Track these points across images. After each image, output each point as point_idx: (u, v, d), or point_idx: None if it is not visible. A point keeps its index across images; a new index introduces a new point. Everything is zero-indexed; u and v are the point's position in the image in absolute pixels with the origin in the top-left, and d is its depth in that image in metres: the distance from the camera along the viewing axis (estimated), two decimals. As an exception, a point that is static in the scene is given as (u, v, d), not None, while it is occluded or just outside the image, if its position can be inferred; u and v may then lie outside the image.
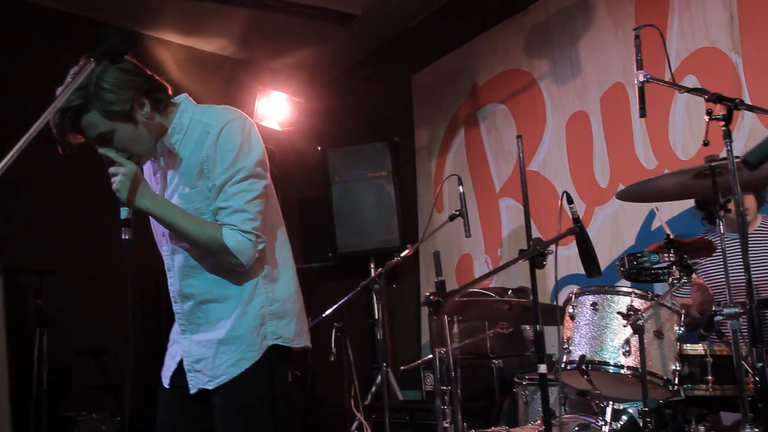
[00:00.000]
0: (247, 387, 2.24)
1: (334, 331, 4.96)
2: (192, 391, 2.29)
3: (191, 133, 2.28)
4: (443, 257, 5.61)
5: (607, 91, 4.62)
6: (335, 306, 3.57)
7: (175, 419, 2.37)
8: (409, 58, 6.27)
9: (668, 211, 4.14)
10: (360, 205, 5.79)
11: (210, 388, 2.26)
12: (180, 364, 2.35)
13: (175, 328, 2.41)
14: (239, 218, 2.20)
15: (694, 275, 2.69)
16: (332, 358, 4.92)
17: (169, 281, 2.38)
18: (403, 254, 3.39)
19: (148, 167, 2.44)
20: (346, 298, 3.56)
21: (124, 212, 2.17)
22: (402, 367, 4.00)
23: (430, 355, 3.28)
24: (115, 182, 2.18)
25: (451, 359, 3.00)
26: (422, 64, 6.17)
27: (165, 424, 2.37)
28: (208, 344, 2.28)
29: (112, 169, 2.20)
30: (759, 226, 3.36)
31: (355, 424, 4.95)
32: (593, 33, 4.74)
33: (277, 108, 5.96)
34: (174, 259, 2.35)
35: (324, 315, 3.60)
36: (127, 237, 2.16)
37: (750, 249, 3.19)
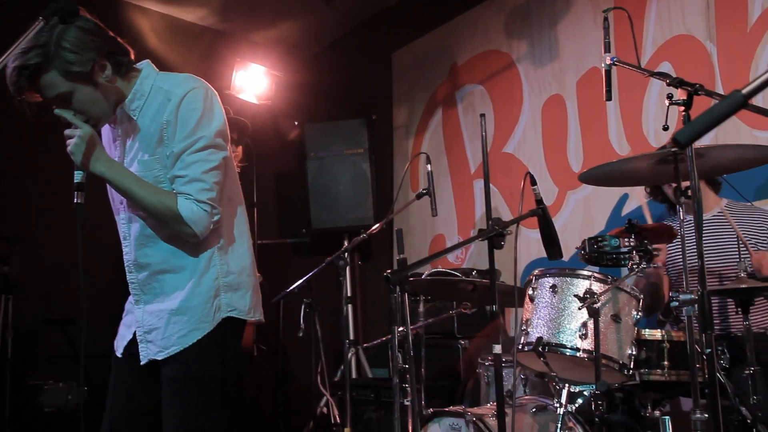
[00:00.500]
0: (197, 358, 2.22)
1: (303, 307, 4.97)
2: (142, 362, 2.26)
3: (152, 100, 2.23)
4: (416, 237, 5.68)
5: (583, 75, 4.61)
6: (301, 281, 3.55)
7: (127, 389, 2.34)
8: (389, 36, 6.23)
9: (638, 196, 4.15)
10: (335, 181, 5.78)
11: (159, 358, 2.24)
12: (135, 334, 2.32)
13: (130, 299, 2.39)
14: (195, 188, 2.17)
15: (657, 259, 2.71)
16: (300, 334, 4.93)
17: (125, 250, 2.35)
18: (369, 231, 3.37)
19: (107, 134, 2.39)
20: (312, 273, 3.55)
21: (77, 176, 2.16)
22: (365, 344, 4.00)
23: (390, 336, 3.28)
24: (70, 144, 2.15)
25: (410, 338, 3.00)
26: (402, 43, 6.13)
27: (116, 394, 2.35)
28: (161, 314, 2.26)
29: (67, 132, 2.17)
30: (719, 212, 3.37)
31: (323, 401, 4.98)
32: (572, 17, 4.73)
33: (254, 81, 5.91)
34: (130, 228, 2.32)
35: (290, 289, 3.59)
36: (79, 201, 2.14)
37: (711, 233, 3.23)
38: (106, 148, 2.29)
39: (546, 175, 4.73)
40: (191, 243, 2.24)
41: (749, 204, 3.41)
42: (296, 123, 5.97)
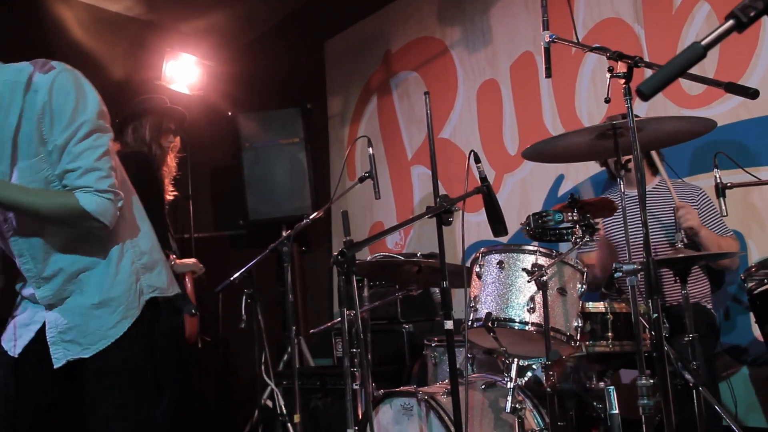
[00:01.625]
0: (128, 348, 2.15)
1: (244, 298, 4.91)
2: (59, 364, 2.13)
3: (4, 99, 2.02)
4: (355, 224, 5.64)
5: (516, 59, 4.68)
6: (243, 269, 3.50)
7: (27, 389, 2.19)
8: (322, 24, 6.19)
9: (574, 176, 4.25)
10: (272, 172, 5.72)
11: (87, 356, 2.13)
12: (38, 333, 2.18)
13: (25, 292, 2.23)
14: (92, 178, 2.03)
15: (599, 233, 2.77)
16: (242, 326, 4.87)
17: (24, 268, 2.17)
18: (312, 216, 3.35)
19: None
20: (254, 261, 3.51)
21: None
22: (311, 330, 3.98)
23: (339, 319, 3.28)
24: None
25: (359, 322, 3.00)
26: (335, 31, 6.11)
27: (8, 396, 2.17)
28: (80, 310, 2.14)
29: None
30: (655, 186, 3.48)
31: (267, 392, 4.93)
32: (504, 2, 4.79)
33: (186, 71, 5.79)
34: (29, 243, 2.14)
35: (232, 279, 3.53)
36: None
37: (648, 207, 3.33)
38: None
39: (483, 158, 4.79)
40: (98, 235, 2.13)
41: (680, 180, 3.53)
42: (229, 113, 5.88)
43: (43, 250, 2.14)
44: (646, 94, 0.97)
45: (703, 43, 0.97)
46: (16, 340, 2.21)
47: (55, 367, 2.13)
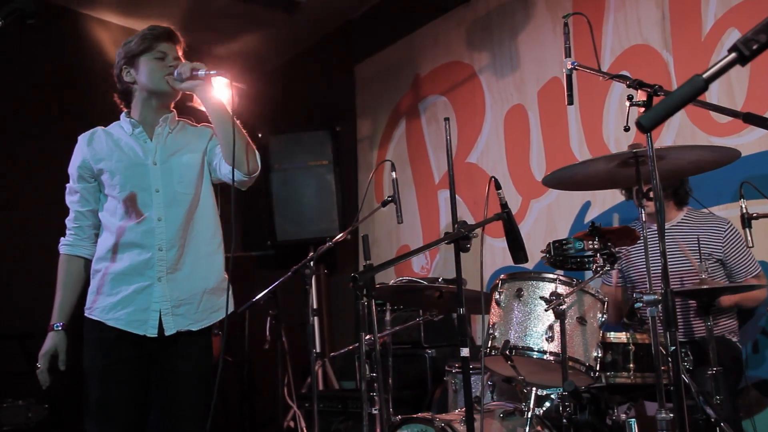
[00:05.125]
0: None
1: (269, 319, 4.94)
2: (169, 333, 2.51)
3: None
4: (381, 248, 5.67)
5: (544, 85, 4.67)
6: (266, 290, 3.52)
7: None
8: (352, 48, 6.25)
9: (600, 203, 4.21)
10: (300, 193, 5.76)
11: (195, 329, 2.56)
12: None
13: (134, 286, 2.52)
14: None
15: (613, 271, 2.74)
16: (266, 347, 4.90)
17: (158, 230, 2.54)
18: (335, 239, 3.36)
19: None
20: (277, 282, 3.51)
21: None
22: (332, 354, 3.97)
23: (358, 344, 3.27)
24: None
25: (377, 346, 2.99)
26: (366, 55, 6.15)
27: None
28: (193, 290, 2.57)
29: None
30: (681, 219, 3.44)
31: (290, 414, 4.93)
32: (532, 28, 4.79)
33: (217, 93, 5.85)
34: (170, 210, 2.58)
35: (255, 299, 3.55)
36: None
37: (673, 240, 3.29)
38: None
39: (509, 184, 4.77)
40: (215, 236, 2.67)
41: (707, 212, 3.48)
42: (260, 135, 5.95)
43: (184, 218, 2.61)
44: (645, 127, 0.96)
45: (704, 76, 0.96)
46: (146, 323, 2.56)
47: (166, 335, 2.55)
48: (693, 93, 0.95)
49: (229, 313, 2.64)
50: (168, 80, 2.56)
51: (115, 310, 2.51)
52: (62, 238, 2.63)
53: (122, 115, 2.69)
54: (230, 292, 2.68)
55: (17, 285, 4.87)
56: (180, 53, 2.65)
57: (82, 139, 2.65)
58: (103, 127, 2.69)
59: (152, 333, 2.49)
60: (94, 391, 2.49)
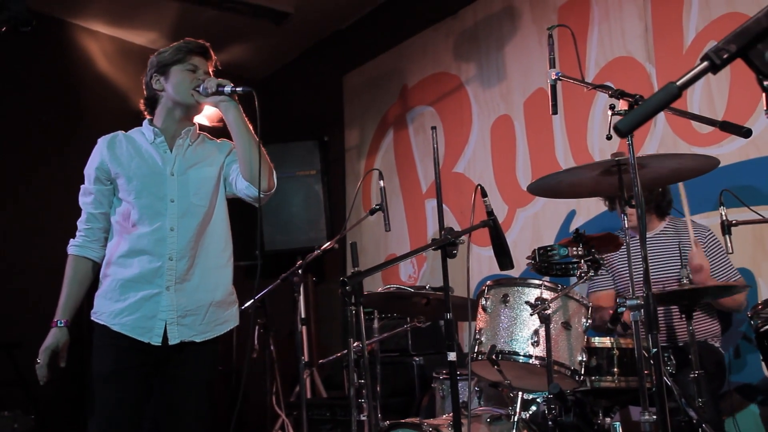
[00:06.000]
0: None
1: (257, 328, 4.96)
2: (173, 342, 2.53)
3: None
4: (369, 257, 5.71)
5: (530, 96, 4.74)
6: (254, 299, 3.55)
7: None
8: (340, 58, 6.31)
9: (586, 212, 4.28)
10: (288, 203, 5.80)
11: (198, 340, 2.59)
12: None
13: (139, 294, 2.56)
14: None
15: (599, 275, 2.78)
16: (254, 355, 4.92)
17: (169, 240, 2.58)
18: (323, 247, 3.40)
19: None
20: (266, 290, 3.55)
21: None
22: (320, 361, 4.00)
23: (347, 351, 3.30)
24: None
25: (366, 352, 3.03)
26: (354, 65, 6.22)
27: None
28: (200, 302, 2.61)
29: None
30: (663, 228, 3.50)
31: (279, 423, 4.95)
32: (518, 40, 4.87)
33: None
34: (182, 221, 2.61)
35: (243, 307, 3.56)
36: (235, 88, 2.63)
37: (655, 248, 3.36)
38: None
39: (496, 193, 4.83)
40: (225, 249, 2.72)
41: (686, 220, 3.54)
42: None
43: (196, 230, 2.65)
44: (623, 131, 1.01)
45: (678, 83, 1.01)
46: (149, 332, 2.59)
47: (170, 344, 2.58)
48: (667, 99, 1.00)
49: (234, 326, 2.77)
50: (193, 94, 2.61)
51: (122, 315, 2.54)
52: (71, 240, 2.66)
53: (145, 122, 2.73)
54: (237, 306, 2.82)
55: (5, 295, 4.87)
56: (211, 69, 2.72)
57: (103, 141, 2.68)
58: (124, 132, 2.73)
59: (156, 341, 2.52)
60: (102, 395, 2.53)
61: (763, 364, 3.04)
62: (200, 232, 2.63)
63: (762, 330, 2.80)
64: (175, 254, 2.57)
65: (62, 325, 2.56)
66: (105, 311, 2.57)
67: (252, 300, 3.69)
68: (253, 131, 2.66)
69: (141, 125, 2.74)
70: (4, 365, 4.69)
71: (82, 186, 2.69)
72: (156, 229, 2.57)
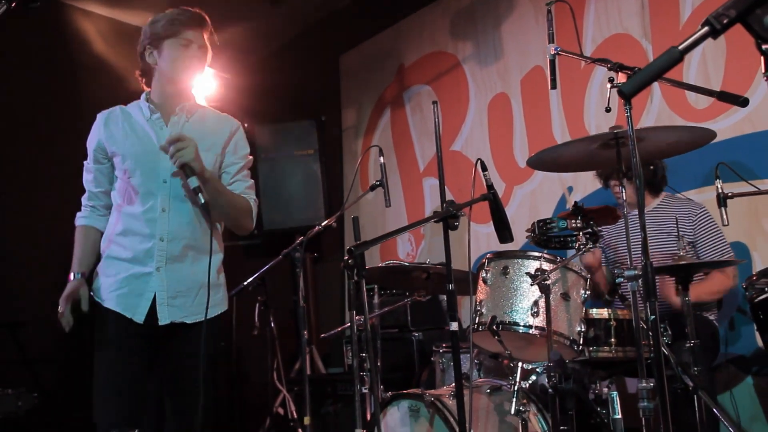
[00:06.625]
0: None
1: (257, 305, 5.01)
2: (163, 323, 2.51)
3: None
4: (367, 235, 5.70)
5: (527, 74, 4.77)
6: (256, 275, 3.59)
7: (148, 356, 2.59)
8: (337, 38, 6.31)
9: (582, 188, 4.32)
10: (286, 182, 5.83)
11: (189, 322, 2.55)
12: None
13: (130, 269, 2.54)
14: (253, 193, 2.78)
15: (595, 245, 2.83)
16: (255, 332, 4.97)
17: (160, 221, 2.53)
18: (324, 223, 3.44)
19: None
20: (267, 267, 3.59)
21: (194, 182, 2.41)
22: (322, 335, 4.06)
23: (349, 324, 3.35)
24: (186, 155, 2.42)
25: (368, 326, 3.08)
26: (350, 45, 6.23)
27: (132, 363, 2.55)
28: (191, 284, 2.57)
29: (180, 144, 2.43)
30: (658, 204, 3.55)
31: (280, 399, 5.01)
32: (515, 18, 4.89)
33: (203, 83, 5.91)
34: (176, 204, 2.56)
35: (245, 284, 3.62)
36: (204, 200, 2.41)
37: (650, 223, 3.40)
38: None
39: (493, 170, 4.87)
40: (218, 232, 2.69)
41: (681, 196, 3.59)
42: (245, 125, 6.00)
43: (186, 215, 2.59)
44: (627, 94, 1.05)
45: (680, 47, 1.05)
46: (135, 308, 2.59)
47: (160, 324, 2.57)
48: (670, 63, 1.04)
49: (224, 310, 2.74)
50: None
51: (111, 290, 2.55)
52: (78, 213, 2.69)
53: (143, 96, 2.68)
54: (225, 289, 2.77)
55: (7, 275, 4.90)
56: (206, 38, 2.65)
57: (100, 117, 2.66)
58: (123, 106, 2.68)
59: (139, 319, 2.50)
60: (100, 361, 2.53)
61: (757, 334, 3.09)
62: (195, 214, 2.57)
63: (756, 301, 2.85)
64: (166, 235, 2.53)
65: (79, 276, 2.57)
66: (98, 287, 2.58)
67: (253, 277, 3.75)
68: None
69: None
70: (8, 344, 4.73)
71: (84, 162, 2.70)
72: (148, 209, 2.54)
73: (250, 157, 2.81)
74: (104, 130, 2.61)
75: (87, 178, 2.68)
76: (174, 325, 2.54)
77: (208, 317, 2.50)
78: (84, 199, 2.70)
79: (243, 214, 2.66)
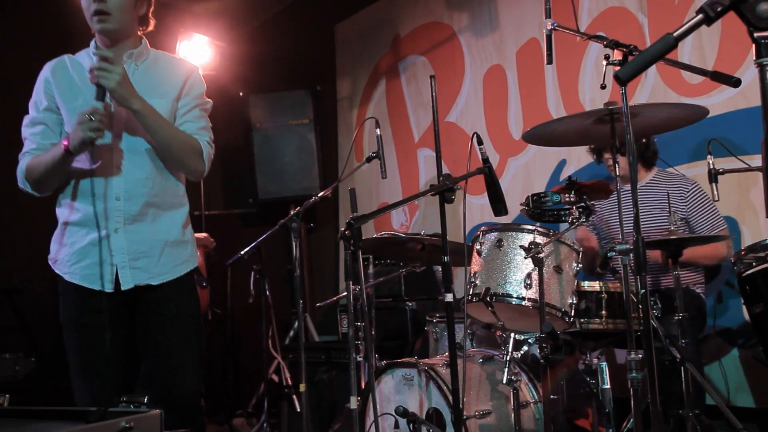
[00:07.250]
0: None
1: (253, 273, 5.06)
2: (126, 287, 2.38)
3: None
4: (362, 206, 5.71)
5: (523, 46, 4.78)
6: (252, 244, 3.63)
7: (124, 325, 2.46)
8: (332, 7, 6.29)
9: (576, 161, 4.36)
10: (281, 152, 5.85)
11: (154, 283, 2.42)
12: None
13: (87, 236, 2.38)
14: (208, 135, 2.60)
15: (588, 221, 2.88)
16: (250, 300, 5.03)
17: (115, 181, 2.37)
18: (320, 194, 3.47)
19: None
20: (263, 237, 3.62)
21: (100, 102, 2.25)
22: (318, 304, 4.11)
23: (345, 293, 3.40)
24: (108, 77, 2.24)
25: (364, 296, 3.13)
26: (345, 14, 6.20)
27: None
28: (153, 243, 2.44)
29: (104, 64, 2.25)
30: (651, 180, 3.60)
31: (274, 366, 5.08)
32: (512, -12, 4.88)
33: (198, 51, 5.91)
34: (131, 158, 2.40)
35: (242, 253, 3.66)
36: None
37: (643, 198, 3.45)
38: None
39: (488, 142, 4.90)
40: (178, 186, 2.52)
41: (676, 172, 3.64)
42: (241, 94, 6.00)
43: (144, 171, 2.44)
44: (623, 80, 1.09)
45: (675, 34, 1.09)
46: (98, 277, 2.46)
47: (123, 289, 2.43)
48: (665, 49, 1.07)
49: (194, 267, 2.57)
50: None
51: (71, 263, 2.40)
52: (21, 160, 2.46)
53: (92, 43, 2.48)
54: (193, 244, 2.59)
55: (3, 241, 4.92)
56: None
57: (48, 67, 2.47)
58: (71, 55, 2.50)
59: (108, 288, 2.36)
60: (70, 343, 2.40)
61: (743, 307, 3.16)
62: (153, 170, 2.42)
63: (744, 275, 2.92)
64: (122, 194, 2.36)
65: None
66: (57, 258, 2.44)
67: (249, 246, 3.78)
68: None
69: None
70: (5, 310, 4.77)
71: (26, 117, 2.48)
72: (100, 167, 2.36)
73: (208, 99, 2.63)
74: (52, 79, 2.43)
75: (33, 131, 2.45)
76: (140, 288, 2.40)
77: (176, 276, 2.45)
78: (22, 155, 2.47)
79: (189, 154, 2.44)
